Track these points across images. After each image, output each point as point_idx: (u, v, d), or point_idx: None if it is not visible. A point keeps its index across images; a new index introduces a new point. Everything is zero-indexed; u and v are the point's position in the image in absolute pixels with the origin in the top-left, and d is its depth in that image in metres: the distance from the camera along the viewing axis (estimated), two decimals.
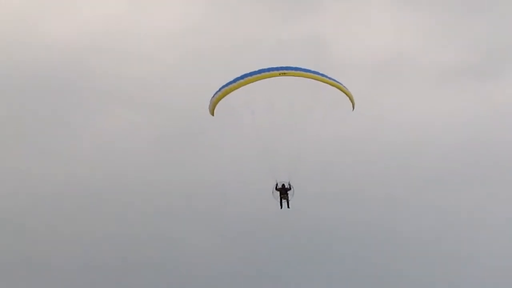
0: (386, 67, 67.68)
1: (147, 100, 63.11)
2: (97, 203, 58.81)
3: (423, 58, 68.86)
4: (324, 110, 35.24)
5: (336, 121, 37.88)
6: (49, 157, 60.71)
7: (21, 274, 56.74)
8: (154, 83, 63.69)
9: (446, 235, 59.30)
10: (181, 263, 57.57)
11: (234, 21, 67.34)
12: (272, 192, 38.77)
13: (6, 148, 60.93)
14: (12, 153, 60.69)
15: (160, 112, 62.18)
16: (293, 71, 34.80)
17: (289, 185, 38.86)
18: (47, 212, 58.58)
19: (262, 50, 60.40)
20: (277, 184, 38.83)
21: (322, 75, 35.56)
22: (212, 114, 36.93)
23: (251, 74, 34.86)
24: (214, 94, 36.00)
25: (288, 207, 39.13)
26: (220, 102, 35.78)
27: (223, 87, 35.50)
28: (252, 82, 34.51)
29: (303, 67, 35.80)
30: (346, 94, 36.19)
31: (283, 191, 38.86)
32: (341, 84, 36.05)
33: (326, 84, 35.31)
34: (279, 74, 34.60)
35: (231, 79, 35.23)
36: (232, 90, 34.98)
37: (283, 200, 39.01)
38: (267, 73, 34.55)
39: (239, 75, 35.21)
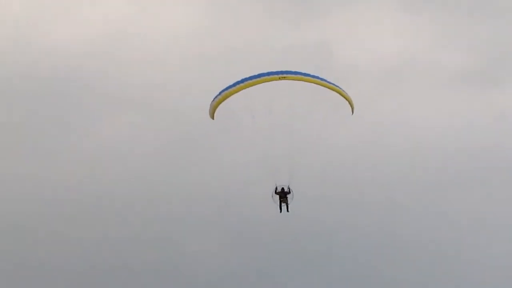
0: (391, 73, 68.11)
1: (150, 104, 63.51)
2: (98, 206, 58.92)
3: (428, 63, 69.25)
4: (324, 114, 35.34)
5: (339, 125, 38.00)
6: (50, 160, 60.98)
7: (21, 277, 56.82)
8: (156, 87, 63.94)
9: (447, 239, 59.26)
10: (181, 266, 57.74)
11: (238, 26, 67.77)
12: (272, 196, 38.84)
13: (7, 151, 61.21)
14: (13, 157, 60.92)
15: (162, 116, 62.44)
16: (292, 75, 34.88)
17: (289, 188, 38.79)
18: (48, 216, 58.68)
19: (267, 56, 60.32)
20: (276, 188, 38.79)
21: (322, 79, 35.58)
22: (212, 117, 37.06)
23: (251, 78, 34.92)
24: (214, 98, 36.10)
25: (287, 210, 39.05)
26: (221, 106, 35.93)
27: (223, 90, 35.60)
28: (252, 86, 34.63)
29: (303, 71, 35.96)
30: (346, 98, 36.26)
31: (283, 195, 38.84)
32: (341, 88, 36.16)
33: (326, 88, 35.42)
34: (279, 78, 34.66)
35: (231, 82, 35.43)
36: (232, 94, 35.11)
37: (282, 204, 39.00)
38: (267, 77, 34.63)
39: (239, 79, 35.40)
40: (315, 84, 35.24)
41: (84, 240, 57.93)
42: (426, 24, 70.30)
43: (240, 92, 34.91)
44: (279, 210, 39.08)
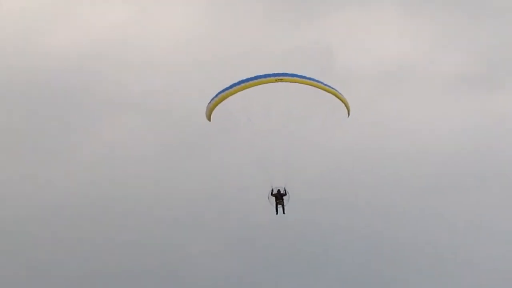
0: (391, 75, 67.84)
1: (150, 107, 63.48)
2: (98, 209, 58.84)
3: (429, 66, 69.05)
4: (320, 116, 35.37)
5: (335, 127, 37.97)
6: (50, 162, 60.88)
7: (20, 280, 56.78)
8: (157, 89, 63.79)
9: (446, 242, 59.17)
10: (181, 268, 57.67)
11: (238, 29, 67.58)
12: (268, 198, 38.82)
13: (7, 153, 61.10)
14: (13, 159, 60.81)
15: (162, 118, 62.37)
16: (289, 77, 34.98)
17: (285, 190, 38.81)
18: (48, 218, 58.51)
19: (268, 58, 60.18)
20: (272, 190, 38.76)
21: (318, 81, 35.68)
22: (209, 119, 37.14)
23: (247, 80, 35.01)
24: (211, 100, 36.22)
25: (283, 212, 39.06)
26: (218, 108, 36.02)
27: (220, 92, 35.67)
28: (249, 88, 34.73)
29: (299, 73, 36.02)
30: (342, 101, 36.32)
31: (279, 197, 38.82)
32: (337, 91, 36.22)
33: (322, 91, 35.47)
34: (275, 80, 34.77)
35: (228, 84, 35.53)
36: (229, 96, 35.21)
37: (278, 206, 38.95)
38: (263, 79, 34.72)
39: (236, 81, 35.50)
40: (311, 86, 35.28)
41: (84, 243, 57.93)
42: (426, 26, 70.28)
43: (236, 94, 34.97)
44: (275, 212, 39.18)
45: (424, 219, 59.73)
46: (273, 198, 38.99)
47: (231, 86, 35.39)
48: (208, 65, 63.08)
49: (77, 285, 56.65)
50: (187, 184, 58.42)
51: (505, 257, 58.83)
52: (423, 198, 60.31)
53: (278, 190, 38.97)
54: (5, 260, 56.94)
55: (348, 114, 37.19)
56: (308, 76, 35.54)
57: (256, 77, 34.93)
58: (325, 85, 35.82)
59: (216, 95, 35.80)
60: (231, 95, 35.17)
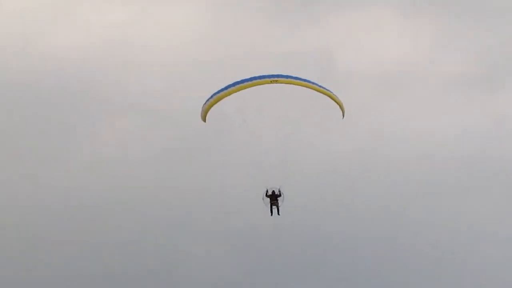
0: (391, 78, 67.67)
1: (150, 109, 63.33)
2: (97, 211, 58.65)
3: (429, 68, 68.82)
4: (315, 117, 35.32)
5: (331, 129, 37.96)
6: (51, 164, 60.82)
7: (20, 281, 56.65)
8: (157, 91, 63.75)
9: (446, 246, 59.02)
10: (180, 271, 57.63)
11: (238, 31, 67.50)
12: (262, 199, 38.71)
13: (6, 156, 61.01)
14: (12, 161, 60.76)
15: (163, 120, 62.24)
16: (284, 79, 34.94)
17: (279, 191, 38.64)
18: (48, 220, 58.50)
19: (267, 60, 59.75)
20: (267, 191, 38.62)
21: (313, 83, 35.56)
22: (204, 120, 37.12)
23: (243, 81, 34.96)
24: (206, 101, 36.21)
25: (278, 214, 38.89)
26: (214, 109, 35.98)
27: (215, 94, 35.68)
28: (244, 89, 34.70)
29: (295, 75, 35.97)
30: (337, 103, 36.23)
31: (273, 198, 38.67)
32: (332, 93, 36.15)
33: (317, 92, 35.40)
34: (271, 81, 34.72)
35: (223, 86, 35.51)
36: (224, 97, 35.17)
37: (273, 207, 38.78)
38: (258, 81, 34.67)
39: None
40: (306, 88, 35.23)
41: (83, 244, 57.73)
42: (426, 27, 70.06)
43: (232, 95, 34.94)
44: (270, 213, 39.08)
45: (424, 221, 59.57)
46: (268, 199, 38.90)
47: (226, 87, 35.35)
48: (208, 66, 62.88)
49: (76, 286, 56.71)
50: (186, 185, 58.22)
51: (506, 260, 58.81)
52: (424, 200, 60.30)
53: (273, 191, 38.81)
54: (4, 261, 57.11)
55: (343, 116, 37.08)
56: (303, 77, 35.42)
57: (251, 79, 34.86)
58: (320, 86, 35.73)
59: (211, 96, 35.75)
60: (226, 96, 35.10)
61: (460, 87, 68.20)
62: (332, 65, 63.29)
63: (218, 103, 35.64)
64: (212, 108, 35.99)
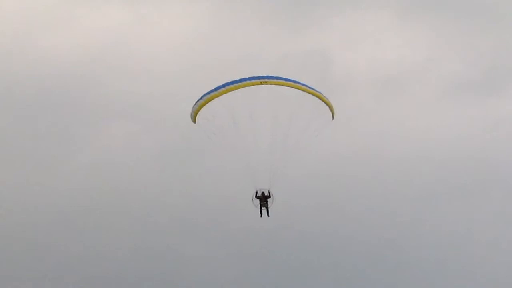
0: (389, 81, 67.51)
1: (147, 113, 62.82)
2: (96, 216, 58.40)
3: (427, 72, 68.65)
4: (305, 118, 35.05)
5: (322, 131, 37.63)
6: (48, 169, 60.54)
7: (20, 283, 56.51)
8: (154, 95, 63.35)
9: (445, 247, 58.94)
10: (179, 274, 57.36)
11: (236, 34, 66.95)
12: (252, 200, 38.41)
13: (3, 161, 60.66)
14: (9, 166, 60.42)
15: (160, 124, 61.73)
16: (274, 80, 34.69)
17: (269, 192, 38.31)
18: (46, 225, 58.14)
19: (266, 64, 59.70)
20: (256, 192, 38.31)
21: (303, 84, 35.32)
22: (194, 121, 36.86)
23: (232, 82, 34.72)
24: (196, 102, 35.95)
25: (268, 215, 38.61)
26: (204, 110, 35.70)
27: (205, 95, 35.43)
28: (234, 90, 34.44)
29: (296, 77, 35.75)
30: (326, 104, 35.96)
31: (263, 199, 38.36)
32: (322, 94, 35.87)
33: (307, 94, 35.13)
34: (261, 82, 34.46)
35: (213, 87, 35.25)
36: (214, 98, 34.91)
37: (262, 208, 38.47)
38: (248, 82, 34.44)
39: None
40: (296, 89, 34.96)
41: (81, 248, 57.55)
42: (425, 32, 69.77)
43: (222, 96, 34.67)
44: (260, 214, 38.82)
45: (423, 223, 59.55)
46: (257, 201, 38.62)
47: (216, 89, 35.08)
48: (206, 69, 62.53)
49: None
50: (183, 189, 58.03)
51: (506, 262, 58.64)
52: (422, 202, 60.12)
53: (263, 193, 38.51)
54: (2, 263, 56.75)
55: (333, 117, 36.79)
56: (294, 79, 35.14)
57: (241, 80, 34.59)
58: (310, 88, 35.47)
59: (201, 98, 35.48)
60: (216, 97, 34.83)
61: (459, 90, 68.26)
62: (329, 68, 63.19)
63: (209, 104, 35.31)
64: (204, 110, 35.69)
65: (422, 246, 58.63)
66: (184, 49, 66.48)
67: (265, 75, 34.82)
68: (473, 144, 63.30)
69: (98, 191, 59.11)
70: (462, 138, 63.81)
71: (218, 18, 68.90)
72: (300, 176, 44.03)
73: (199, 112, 35.65)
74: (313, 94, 35.34)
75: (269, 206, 38.45)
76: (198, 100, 35.72)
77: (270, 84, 34.42)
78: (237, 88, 34.34)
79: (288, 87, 34.69)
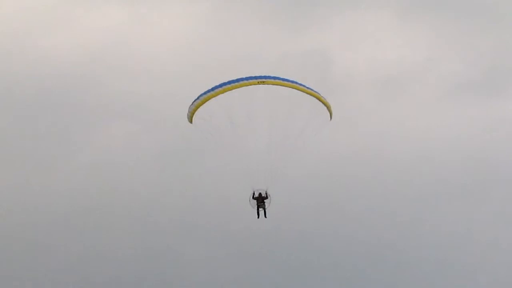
0: (389, 81, 66.92)
1: (147, 113, 62.33)
2: (95, 216, 57.96)
3: (427, 72, 68.09)
4: (302, 118, 34.40)
5: (320, 131, 37.04)
6: (47, 169, 60.18)
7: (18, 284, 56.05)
8: (154, 96, 62.84)
9: (445, 250, 58.48)
10: (179, 274, 56.93)
11: (237, 34, 66.50)
12: (249, 201, 37.73)
13: (4, 162, 60.33)
14: (8, 167, 60.10)
15: (159, 125, 61.17)
16: (271, 80, 34.01)
17: (266, 193, 37.57)
18: (45, 227, 57.75)
19: (266, 64, 59.28)
20: (254, 193, 37.59)
21: (301, 84, 34.63)
22: (191, 122, 36.19)
23: (229, 82, 34.05)
24: (193, 102, 35.27)
25: (265, 216, 37.88)
26: (201, 110, 35.03)
27: (202, 95, 34.74)
28: (231, 90, 33.77)
29: (295, 78, 35.17)
30: (324, 104, 35.22)
31: (260, 200, 37.64)
32: (319, 94, 35.17)
33: (305, 94, 34.46)
34: (258, 82, 33.79)
35: (210, 87, 34.58)
36: (210, 98, 34.24)
37: (260, 209, 37.75)
38: (245, 82, 33.72)
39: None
40: (294, 90, 34.29)
41: (81, 248, 57.24)
42: (424, 32, 69.23)
43: (219, 96, 34.00)
44: (257, 216, 38.11)
45: (424, 224, 59.15)
46: (255, 202, 37.90)
47: (212, 89, 34.41)
48: (207, 69, 62.12)
49: None
50: (183, 189, 57.62)
51: (506, 262, 58.28)
52: (422, 203, 59.65)
53: (260, 194, 37.78)
54: (2, 263, 56.41)
55: (331, 117, 36.08)
56: (292, 79, 34.48)
57: (238, 80, 33.90)
58: (308, 88, 34.76)
59: (198, 98, 34.79)
60: (212, 97, 34.16)
61: (459, 90, 67.61)
62: (330, 67, 62.86)
63: (206, 104, 34.63)
64: (201, 110, 35.01)
65: (422, 246, 58.18)
66: (184, 49, 66.17)
67: (263, 75, 34.06)
68: (473, 144, 62.86)
69: (98, 191, 58.85)
70: (462, 138, 63.44)
71: (218, 18, 68.58)
72: (298, 176, 43.51)
73: (196, 112, 34.87)
74: (311, 94, 34.65)
75: (266, 207, 37.71)
76: (194, 100, 35.04)
77: (268, 84, 33.73)
78: (234, 88, 33.66)
79: (286, 87, 33.95)
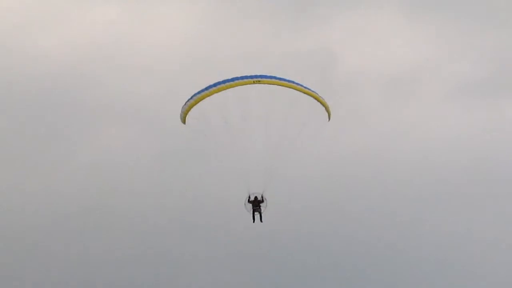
0: (395, 81, 65.31)
1: (148, 114, 61.04)
2: (96, 217, 56.97)
3: (434, 71, 66.38)
4: (300, 119, 32.43)
5: (318, 132, 35.26)
6: (44, 171, 59.06)
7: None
8: (153, 96, 61.48)
9: (445, 251, 57.29)
10: (179, 274, 55.89)
11: (239, 33, 65.16)
12: (244, 205, 35.79)
13: (4, 162, 59.32)
14: (5, 169, 59.03)
15: (158, 125, 59.84)
16: (267, 79, 32.02)
17: (262, 197, 35.60)
18: (44, 229, 56.64)
19: (269, 63, 57.70)
20: (249, 196, 35.66)
21: (298, 84, 32.65)
22: (184, 122, 34.25)
23: (224, 82, 32.09)
24: (186, 102, 33.29)
25: (261, 220, 36.00)
26: (195, 110, 33.08)
27: (195, 95, 32.74)
28: (225, 89, 31.79)
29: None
30: (322, 104, 33.17)
31: (256, 204, 35.69)
32: (317, 94, 33.12)
33: (303, 94, 32.48)
34: (253, 82, 31.80)
35: (204, 86, 32.63)
36: (204, 98, 32.27)
37: (255, 213, 35.85)
38: (240, 81, 31.76)
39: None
40: (291, 89, 32.31)
41: (81, 250, 56.19)
42: (433, 30, 67.44)
43: (213, 96, 32.05)
44: (252, 220, 36.17)
45: (423, 225, 57.88)
46: (250, 205, 35.99)
47: (207, 88, 32.45)
48: (207, 69, 60.74)
49: None
50: (183, 189, 56.09)
51: (506, 262, 57.13)
52: (422, 205, 58.38)
53: (256, 197, 35.89)
54: (2, 264, 55.43)
55: (329, 118, 33.99)
56: (287, 78, 32.49)
57: (233, 79, 31.92)
58: (306, 87, 32.71)
59: (191, 97, 32.82)
60: (206, 97, 32.22)
61: (468, 90, 65.81)
62: (334, 66, 61.90)
63: (200, 104, 32.67)
64: (195, 110, 33.05)
65: (422, 246, 57.04)
66: (184, 48, 64.83)
67: (259, 74, 32.08)
68: (474, 144, 61.29)
69: (98, 192, 57.82)
70: (463, 138, 61.87)
71: (219, 17, 67.17)
72: (297, 177, 42.11)
73: (190, 113, 32.92)
74: (308, 94, 32.59)
75: (262, 211, 35.82)
76: (188, 100, 33.06)
77: (263, 83, 31.73)
78: (228, 88, 31.68)
79: (282, 87, 31.95)
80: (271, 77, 32.32)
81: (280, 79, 32.32)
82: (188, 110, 32.78)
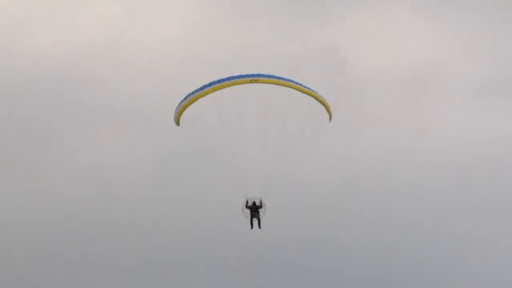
0: (404, 80, 63.05)
1: (145, 115, 59.09)
2: (96, 217, 55.47)
3: (446, 71, 64.10)
4: (300, 120, 29.96)
5: (319, 133, 32.85)
6: (43, 172, 57.51)
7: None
8: (152, 95, 59.41)
9: (445, 251, 55.49)
10: (179, 275, 54.18)
11: (246, 31, 63.53)
12: (242, 210, 33.39)
13: (4, 162, 57.84)
14: (3, 170, 57.54)
15: (157, 126, 57.65)
16: (265, 78, 29.55)
17: (261, 202, 33.29)
18: (43, 231, 55.27)
19: (276, 61, 55.66)
20: (247, 201, 33.31)
21: (296, 83, 30.18)
22: (178, 123, 31.83)
23: (219, 81, 29.64)
24: (180, 103, 30.83)
25: (259, 227, 33.65)
26: (190, 111, 30.63)
27: (189, 95, 30.27)
28: (221, 89, 29.34)
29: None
30: (323, 104, 30.67)
31: (254, 209, 33.32)
32: (317, 93, 30.61)
33: (302, 93, 30.02)
34: (250, 81, 29.36)
35: (199, 86, 30.17)
36: (199, 98, 29.83)
37: (254, 219, 33.45)
38: (237, 80, 29.31)
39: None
40: (290, 89, 29.84)
41: (82, 250, 54.71)
42: (446, 28, 65.19)
43: (208, 96, 29.60)
44: (250, 226, 33.71)
45: (423, 225, 56.04)
46: (248, 211, 33.58)
47: (201, 88, 30.00)
48: (208, 69, 58.84)
49: None
50: (183, 189, 54.18)
51: (506, 262, 55.64)
52: (423, 204, 56.82)
53: (254, 202, 33.53)
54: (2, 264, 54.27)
55: (330, 119, 31.45)
56: (285, 77, 30.00)
57: (229, 78, 29.47)
58: (305, 87, 30.21)
59: (185, 98, 30.38)
60: (201, 97, 29.78)
61: (480, 92, 63.49)
62: (344, 67, 59.85)
63: (195, 105, 30.22)
64: (190, 111, 30.59)
65: (422, 246, 55.40)
66: (185, 48, 62.86)
67: (256, 73, 29.64)
68: (475, 145, 59.24)
69: (98, 192, 56.26)
70: (468, 140, 59.76)
71: (224, 15, 65.32)
72: (296, 178, 39.98)
73: (184, 114, 30.48)
74: (308, 94, 30.10)
75: (260, 217, 33.42)
76: (182, 101, 30.59)
77: (260, 82, 29.27)
78: (224, 87, 29.28)
79: (281, 86, 29.48)
80: (268, 76, 29.93)
81: (278, 78, 29.88)
82: (182, 111, 30.41)
